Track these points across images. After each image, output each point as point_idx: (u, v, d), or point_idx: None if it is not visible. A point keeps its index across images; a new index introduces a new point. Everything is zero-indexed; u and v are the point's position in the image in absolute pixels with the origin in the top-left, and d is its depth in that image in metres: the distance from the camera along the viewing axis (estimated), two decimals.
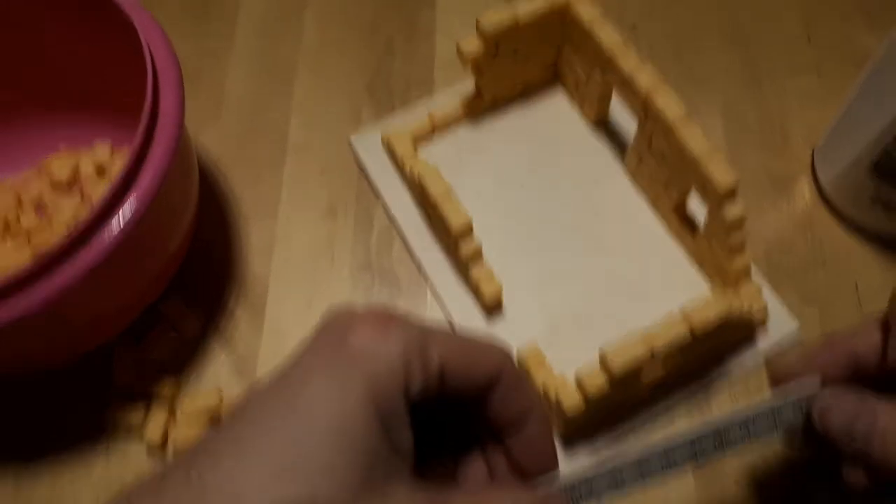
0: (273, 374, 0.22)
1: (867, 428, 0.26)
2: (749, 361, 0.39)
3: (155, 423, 0.37)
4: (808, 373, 0.28)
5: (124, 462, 0.38)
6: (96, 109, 0.45)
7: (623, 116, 0.45)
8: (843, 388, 0.27)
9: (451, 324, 0.40)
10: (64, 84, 0.44)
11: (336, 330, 0.22)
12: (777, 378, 0.29)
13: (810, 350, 0.29)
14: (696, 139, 0.36)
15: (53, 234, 0.42)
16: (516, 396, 0.24)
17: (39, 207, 0.44)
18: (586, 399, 0.33)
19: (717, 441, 0.26)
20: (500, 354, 0.24)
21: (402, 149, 0.43)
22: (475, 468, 0.25)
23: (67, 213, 0.43)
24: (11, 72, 0.43)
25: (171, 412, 0.38)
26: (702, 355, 0.38)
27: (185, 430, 0.37)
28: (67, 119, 0.45)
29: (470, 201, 0.42)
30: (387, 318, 0.22)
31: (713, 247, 0.38)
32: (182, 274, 0.40)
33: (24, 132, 0.45)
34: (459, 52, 0.41)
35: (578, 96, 0.45)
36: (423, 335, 0.22)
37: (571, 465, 0.36)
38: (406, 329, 0.22)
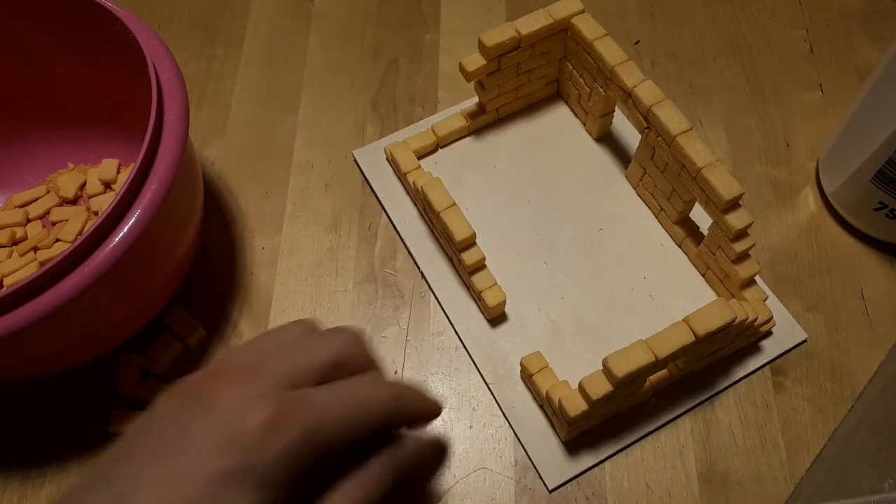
0: (137, 476, 0.22)
1: None
2: (755, 368, 0.38)
3: None
4: None
5: None
6: (104, 128, 0.45)
7: (626, 130, 0.46)
8: None
9: (455, 333, 0.40)
10: (72, 103, 0.44)
11: (222, 426, 0.22)
12: None
13: None
14: (699, 151, 0.36)
15: (60, 248, 0.43)
16: (405, 420, 0.27)
17: (46, 222, 0.45)
18: (590, 405, 0.33)
19: None
20: (385, 404, 0.25)
21: (406, 162, 0.43)
22: None
23: (74, 228, 0.43)
24: (21, 91, 0.43)
25: None
26: (707, 363, 0.38)
27: None
28: (76, 137, 0.46)
29: (473, 214, 0.43)
30: (278, 419, 0.22)
31: (718, 256, 0.38)
32: (187, 285, 0.40)
33: (32, 150, 0.46)
34: (462, 69, 0.42)
35: (581, 111, 0.46)
36: (313, 430, 0.23)
37: (575, 468, 0.36)
38: (296, 427, 0.23)
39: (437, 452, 0.28)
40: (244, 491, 0.22)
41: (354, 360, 0.26)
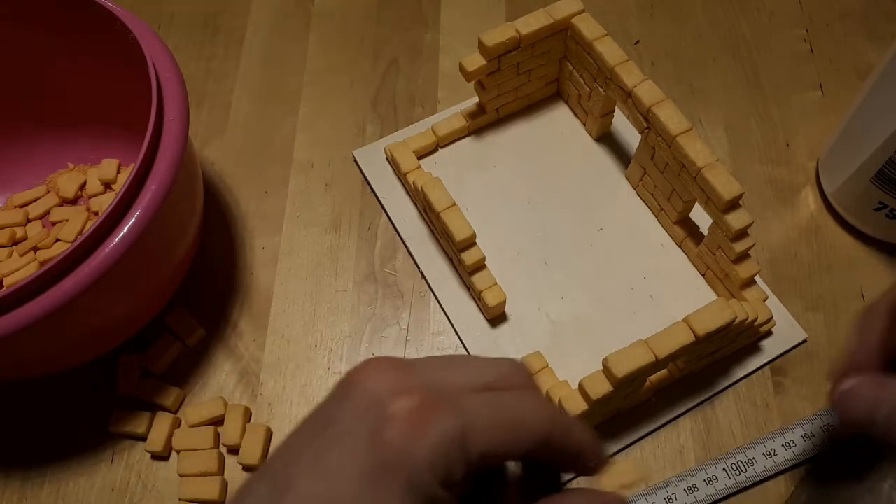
0: (293, 463, 0.22)
1: (889, 412, 0.26)
2: (755, 368, 0.38)
3: (158, 432, 0.38)
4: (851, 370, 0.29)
5: (128, 469, 0.38)
6: (104, 128, 0.45)
7: (626, 130, 0.46)
8: (864, 375, 0.28)
9: (455, 333, 0.40)
10: (72, 103, 0.44)
11: (366, 415, 0.22)
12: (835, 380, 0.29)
13: (849, 344, 0.29)
14: (699, 151, 0.36)
15: (60, 248, 0.43)
16: (565, 449, 0.24)
17: (46, 222, 0.45)
18: (590, 405, 0.33)
19: None
20: (543, 423, 0.23)
21: (406, 162, 0.43)
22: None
23: (74, 228, 0.43)
24: (21, 91, 0.43)
25: (175, 421, 0.38)
26: (707, 363, 0.38)
27: (189, 440, 0.37)
28: (76, 137, 0.46)
29: (473, 213, 0.43)
30: (425, 412, 0.21)
31: (718, 256, 0.38)
32: (187, 285, 0.40)
33: (32, 150, 0.46)
34: (462, 69, 0.42)
35: (581, 111, 0.46)
36: (462, 428, 0.21)
37: None
38: (444, 424, 0.21)
39: None
40: (397, 491, 0.21)
41: (514, 384, 0.24)
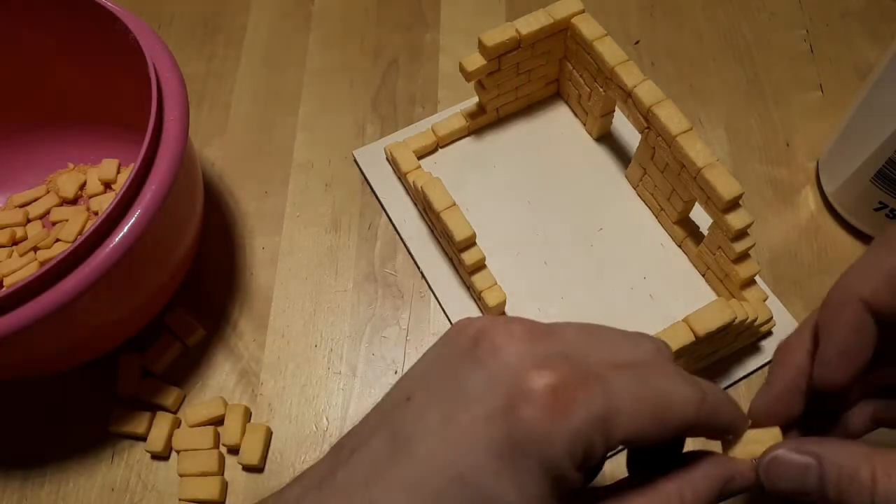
0: (417, 420, 0.20)
1: (816, 480, 0.22)
2: (755, 368, 0.38)
3: (158, 432, 0.37)
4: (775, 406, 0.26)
5: (128, 469, 0.38)
6: (104, 128, 0.45)
7: (626, 130, 0.46)
8: (785, 442, 0.24)
9: None
10: (72, 103, 0.44)
11: (502, 386, 0.20)
12: (756, 418, 0.26)
13: (771, 379, 0.26)
14: (699, 151, 0.36)
15: (60, 248, 0.43)
16: (709, 431, 0.23)
17: (46, 222, 0.45)
18: None
19: None
20: (692, 408, 0.21)
21: (406, 161, 0.43)
22: None
23: (74, 228, 0.43)
24: (21, 91, 0.43)
25: (175, 421, 0.38)
26: (707, 363, 0.38)
27: (189, 440, 0.37)
28: (76, 137, 0.46)
29: (473, 213, 0.43)
30: (568, 391, 0.19)
31: (718, 256, 0.38)
32: (187, 285, 0.40)
33: (32, 150, 0.46)
34: (462, 69, 0.42)
35: (581, 111, 0.46)
36: (607, 412, 0.20)
37: None
38: (589, 406, 0.19)
39: (751, 479, 0.23)
40: (530, 473, 0.19)
41: (657, 361, 0.22)
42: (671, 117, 0.37)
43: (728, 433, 0.24)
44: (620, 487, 0.23)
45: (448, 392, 0.20)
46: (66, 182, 0.45)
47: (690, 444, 0.25)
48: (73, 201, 0.45)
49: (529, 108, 0.47)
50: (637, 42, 0.50)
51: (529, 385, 0.19)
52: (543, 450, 0.19)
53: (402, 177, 0.44)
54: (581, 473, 0.20)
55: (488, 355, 0.21)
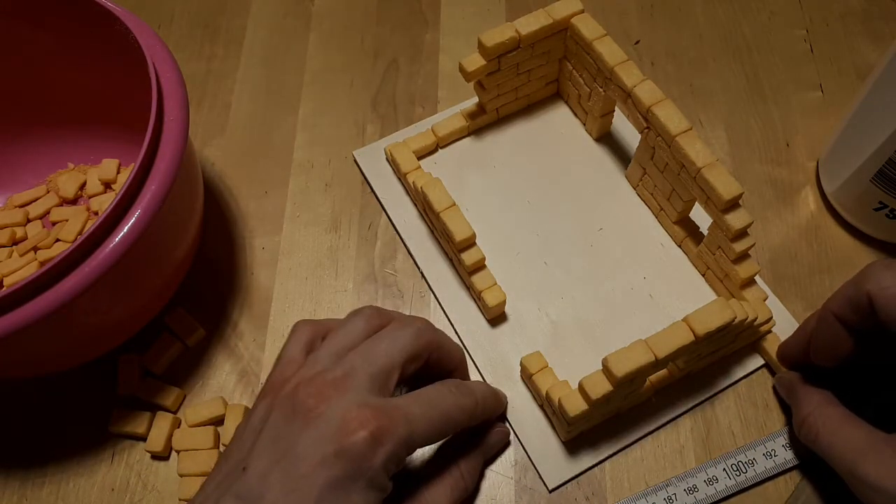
0: (262, 480, 0.27)
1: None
2: (754, 368, 0.38)
3: (158, 432, 0.37)
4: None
5: (128, 469, 0.38)
6: (104, 128, 0.45)
7: (626, 130, 0.46)
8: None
9: (455, 333, 0.40)
10: (72, 103, 0.44)
11: (331, 439, 0.27)
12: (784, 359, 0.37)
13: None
14: (699, 151, 0.36)
15: (60, 248, 0.43)
16: (483, 420, 0.35)
17: (46, 222, 0.45)
18: (590, 405, 0.33)
19: None
20: (467, 413, 0.32)
21: (406, 162, 0.43)
22: None
23: (74, 228, 0.43)
24: (21, 91, 0.43)
25: (175, 421, 0.38)
26: (707, 363, 0.38)
27: (189, 440, 0.37)
28: (76, 137, 0.46)
29: (473, 213, 0.43)
30: (380, 432, 0.27)
31: (718, 256, 0.38)
32: (187, 285, 0.40)
33: (32, 150, 0.46)
34: (462, 69, 0.42)
35: (581, 111, 0.46)
36: (409, 436, 0.28)
37: (574, 468, 0.36)
38: (397, 437, 0.28)
39: (505, 437, 0.36)
40: (359, 492, 0.27)
41: (426, 350, 0.32)
42: (671, 117, 0.37)
43: (495, 417, 0.36)
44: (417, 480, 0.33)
45: (281, 454, 0.27)
46: (66, 182, 0.45)
47: None
48: (73, 201, 0.45)
49: (529, 108, 0.47)
50: (637, 42, 0.50)
51: (354, 438, 0.27)
52: (368, 473, 0.27)
53: (401, 177, 0.44)
54: (391, 481, 0.29)
55: (311, 416, 0.28)
